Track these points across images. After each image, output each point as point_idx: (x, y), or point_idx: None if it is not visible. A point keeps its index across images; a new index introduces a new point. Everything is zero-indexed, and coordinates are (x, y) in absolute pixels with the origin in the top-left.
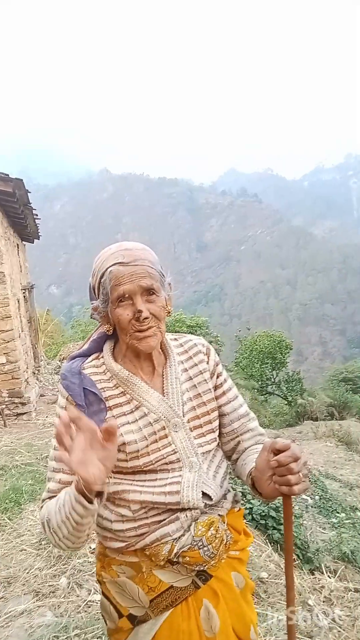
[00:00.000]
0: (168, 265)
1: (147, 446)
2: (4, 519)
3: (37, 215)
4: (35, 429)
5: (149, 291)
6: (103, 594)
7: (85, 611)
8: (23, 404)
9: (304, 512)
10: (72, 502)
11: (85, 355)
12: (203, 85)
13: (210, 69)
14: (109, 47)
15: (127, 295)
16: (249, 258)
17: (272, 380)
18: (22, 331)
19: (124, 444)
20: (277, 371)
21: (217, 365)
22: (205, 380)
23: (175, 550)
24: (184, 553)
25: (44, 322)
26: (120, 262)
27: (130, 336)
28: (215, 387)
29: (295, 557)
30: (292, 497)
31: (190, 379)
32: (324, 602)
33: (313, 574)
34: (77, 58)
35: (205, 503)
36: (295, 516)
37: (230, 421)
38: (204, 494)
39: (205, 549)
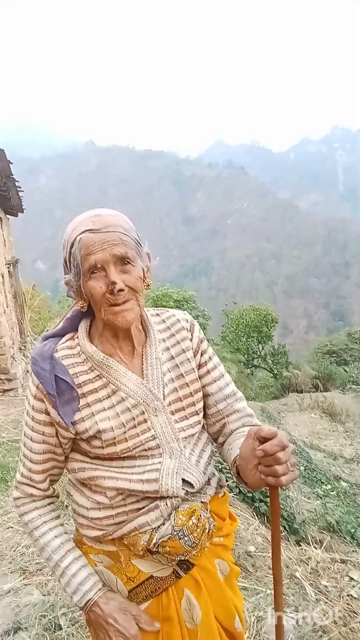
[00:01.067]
0: (154, 239)
1: (124, 432)
2: None
3: (20, 187)
4: (22, 406)
5: (123, 260)
6: None
7: None
8: (9, 380)
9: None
10: (65, 590)
11: (59, 335)
12: (190, 55)
13: (196, 40)
14: (95, 18)
15: (99, 266)
16: (235, 231)
17: (258, 353)
18: (7, 307)
19: (99, 431)
20: (263, 344)
21: (201, 342)
22: (188, 359)
23: (154, 540)
24: (163, 543)
25: (30, 298)
26: (90, 229)
27: (105, 311)
28: (199, 366)
29: (281, 528)
30: (279, 488)
31: (172, 358)
32: (310, 573)
33: (299, 545)
34: (62, 30)
35: (187, 491)
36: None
37: (215, 402)
38: (185, 481)
39: (186, 538)
